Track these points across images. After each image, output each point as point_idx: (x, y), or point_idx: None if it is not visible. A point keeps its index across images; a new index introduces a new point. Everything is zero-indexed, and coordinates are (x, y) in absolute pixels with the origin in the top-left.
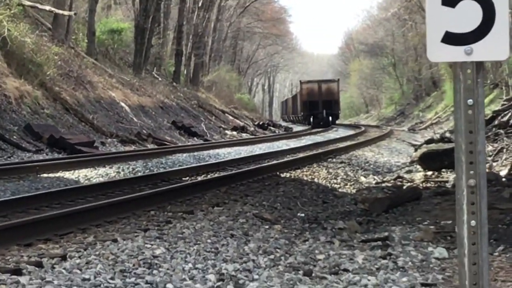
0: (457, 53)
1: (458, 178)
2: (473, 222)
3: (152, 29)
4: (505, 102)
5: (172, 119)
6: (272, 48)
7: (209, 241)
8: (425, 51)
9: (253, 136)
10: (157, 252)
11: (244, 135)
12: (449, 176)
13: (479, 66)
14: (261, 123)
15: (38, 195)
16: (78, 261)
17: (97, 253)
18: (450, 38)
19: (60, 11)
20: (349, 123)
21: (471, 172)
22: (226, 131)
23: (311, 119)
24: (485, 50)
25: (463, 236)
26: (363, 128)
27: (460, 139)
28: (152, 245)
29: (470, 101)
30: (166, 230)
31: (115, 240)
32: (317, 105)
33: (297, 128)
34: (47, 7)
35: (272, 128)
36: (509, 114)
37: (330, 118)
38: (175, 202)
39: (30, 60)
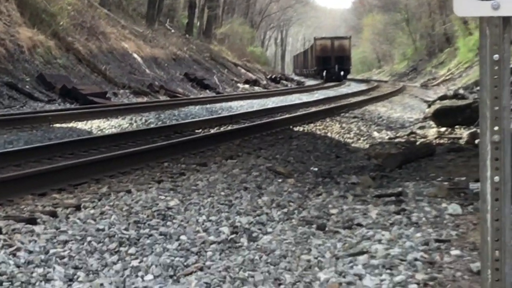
0: (484, 8)
1: (482, 133)
2: (496, 178)
3: None
4: None
5: (185, 71)
6: (285, 2)
7: (222, 193)
8: (439, 7)
9: (266, 90)
10: (171, 203)
11: (257, 88)
12: (462, 133)
13: (506, 21)
14: (273, 76)
15: (51, 145)
16: (92, 211)
17: (111, 203)
18: None
19: None
20: (361, 78)
21: (496, 127)
22: (239, 84)
23: (324, 73)
24: None
25: (486, 192)
26: (375, 84)
27: (485, 94)
28: (166, 196)
29: (496, 56)
30: (180, 182)
31: (129, 191)
32: (330, 61)
33: (309, 82)
34: None
35: (284, 82)
36: None
37: (342, 73)
38: (188, 154)
39: (43, 9)
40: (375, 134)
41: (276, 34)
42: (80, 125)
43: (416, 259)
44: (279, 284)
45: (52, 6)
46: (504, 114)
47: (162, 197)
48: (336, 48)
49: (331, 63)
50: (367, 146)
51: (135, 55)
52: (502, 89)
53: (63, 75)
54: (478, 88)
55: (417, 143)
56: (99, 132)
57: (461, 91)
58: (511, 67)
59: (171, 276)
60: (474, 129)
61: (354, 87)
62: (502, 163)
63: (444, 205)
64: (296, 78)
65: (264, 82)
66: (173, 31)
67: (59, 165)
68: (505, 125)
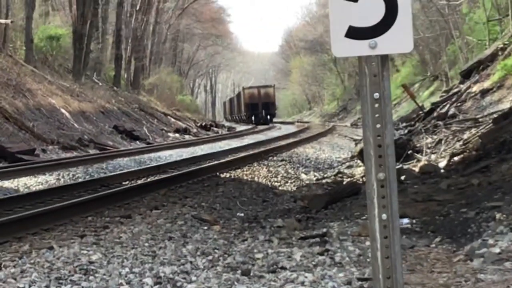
0: (361, 47)
1: (367, 172)
2: (384, 216)
3: (90, 34)
4: (443, 94)
5: (114, 124)
6: (213, 49)
7: (146, 244)
8: None
9: (196, 138)
10: (94, 257)
11: (187, 137)
12: None
13: (384, 59)
14: (203, 124)
15: None
16: (12, 270)
17: (32, 261)
18: (354, 33)
19: None
20: (292, 120)
21: (381, 165)
22: (169, 134)
23: (253, 118)
24: (389, 43)
25: (375, 230)
26: (305, 125)
27: (368, 133)
28: (88, 251)
29: (376, 95)
30: (103, 236)
31: (51, 248)
32: (257, 107)
33: (240, 127)
34: None
35: (215, 128)
36: (447, 105)
37: (268, 117)
38: (113, 207)
39: None
40: (303, 176)
41: (206, 81)
42: (7, 183)
43: None
44: None
45: None
46: (388, 152)
47: (85, 252)
48: (262, 95)
49: (259, 109)
50: (294, 188)
51: (63, 110)
52: (385, 127)
53: None
54: (404, 124)
55: (344, 182)
56: (25, 189)
57: None
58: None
59: None
60: (400, 166)
61: (284, 130)
62: (388, 201)
63: (367, 243)
64: (227, 124)
65: (195, 130)
66: (100, 84)
67: None
68: (389, 163)
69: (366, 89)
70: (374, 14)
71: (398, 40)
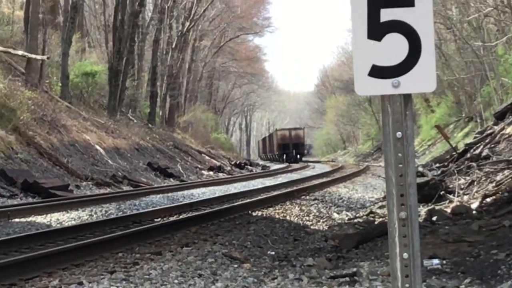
0: (384, 86)
1: (389, 210)
2: (405, 255)
3: (126, 71)
4: (477, 135)
5: (148, 161)
6: (248, 87)
7: (176, 281)
8: None
9: (230, 176)
10: None
11: (221, 175)
12: (420, 210)
13: (407, 98)
14: (238, 162)
15: (8, 240)
16: None
17: None
18: (377, 71)
19: (33, 56)
20: (326, 159)
21: (402, 204)
22: (203, 171)
23: (284, 156)
24: (412, 82)
25: (396, 269)
26: (339, 165)
27: (390, 171)
28: (117, 287)
29: (399, 134)
30: (133, 272)
31: (80, 283)
32: (289, 147)
33: (274, 166)
34: (20, 52)
35: (249, 167)
36: (481, 147)
37: (298, 156)
38: (144, 244)
39: (2, 105)
40: (335, 215)
41: (241, 120)
42: (40, 219)
43: None
44: None
45: (11, 101)
46: (410, 191)
47: None
48: (293, 136)
49: (290, 149)
50: (326, 228)
51: (97, 147)
52: (407, 166)
53: (24, 169)
54: (437, 165)
55: (375, 222)
56: (58, 225)
57: (420, 169)
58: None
59: None
60: (432, 206)
61: (318, 169)
62: (410, 239)
63: None
64: (262, 162)
65: (229, 168)
66: (135, 121)
67: (9, 259)
68: (411, 201)
69: (389, 128)
70: (397, 53)
71: (421, 79)
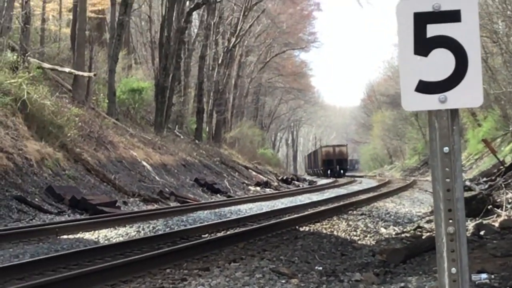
0: (431, 102)
1: (437, 225)
2: (453, 270)
3: (172, 87)
4: None
5: (195, 177)
6: (295, 102)
7: None
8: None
9: (277, 191)
10: None
11: (268, 190)
12: (468, 224)
13: (454, 113)
14: (284, 177)
15: (56, 256)
16: None
17: None
18: (424, 87)
19: (80, 73)
20: (373, 174)
21: (450, 219)
22: (250, 187)
23: (329, 172)
24: (459, 98)
25: (445, 284)
26: (386, 180)
27: (438, 186)
28: None
29: (446, 149)
30: None
31: None
32: (333, 162)
33: (321, 181)
34: (67, 69)
35: (296, 182)
36: None
37: (342, 171)
38: (192, 260)
39: (50, 122)
40: (382, 230)
41: (287, 135)
42: (88, 235)
43: None
44: None
45: (58, 118)
46: (457, 206)
47: None
48: (337, 153)
49: (334, 164)
50: (373, 242)
51: (144, 163)
52: (454, 181)
53: (72, 186)
54: (484, 179)
55: (423, 237)
56: (105, 241)
57: (467, 183)
58: None
59: None
60: (480, 220)
61: (365, 184)
62: (458, 254)
63: None
64: (309, 178)
65: (276, 183)
66: (182, 137)
67: (57, 276)
68: (459, 216)
69: (436, 143)
70: (444, 68)
71: (468, 94)
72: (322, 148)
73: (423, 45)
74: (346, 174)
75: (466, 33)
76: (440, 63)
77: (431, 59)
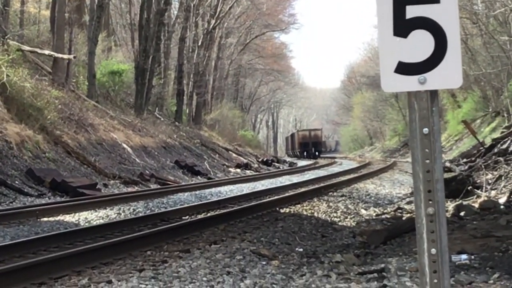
0: (410, 83)
1: (416, 206)
2: (433, 251)
3: (152, 69)
4: (504, 130)
5: (175, 159)
6: (275, 84)
7: (204, 279)
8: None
9: (257, 173)
10: None
11: (248, 172)
12: (448, 205)
13: (434, 94)
14: (265, 159)
15: (36, 239)
16: None
17: None
18: (403, 68)
19: (60, 55)
20: (353, 156)
21: (430, 200)
22: (230, 169)
23: (305, 153)
24: (438, 79)
25: (424, 265)
26: (366, 161)
27: (417, 168)
28: (146, 285)
29: (425, 130)
30: (162, 270)
31: (109, 282)
32: (308, 145)
33: (301, 163)
34: (46, 52)
35: (276, 164)
36: (508, 141)
37: (316, 153)
38: (172, 242)
39: (30, 104)
40: (363, 211)
41: (267, 117)
42: (68, 217)
43: None
44: None
45: (38, 100)
46: (437, 187)
47: (143, 286)
48: (312, 136)
49: (309, 147)
50: (354, 224)
51: (125, 145)
52: (434, 162)
53: (52, 168)
54: (464, 160)
55: (403, 218)
56: (86, 223)
57: (447, 164)
58: None
59: None
60: (460, 201)
61: (345, 166)
62: (438, 235)
63: None
64: (289, 159)
65: (256, 165)
66: (162, 119)
67: (39, 259)
68: (439, 197)
69: (416, 124)
70: (423, 49)
71: (448, 75)
72: (299, 132)
73: (403, 27)
74: (325, 155)
75: (445, 14)
76: (420, 45)
77: (411, 40)
